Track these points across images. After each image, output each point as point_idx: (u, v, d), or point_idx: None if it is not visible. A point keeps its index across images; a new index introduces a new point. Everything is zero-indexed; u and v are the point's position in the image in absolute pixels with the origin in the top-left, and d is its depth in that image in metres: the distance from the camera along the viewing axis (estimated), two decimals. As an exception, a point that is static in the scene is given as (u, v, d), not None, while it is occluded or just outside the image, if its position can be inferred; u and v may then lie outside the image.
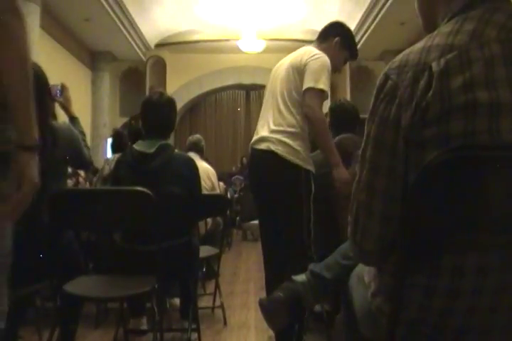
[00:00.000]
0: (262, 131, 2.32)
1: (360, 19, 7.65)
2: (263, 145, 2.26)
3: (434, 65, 0.90)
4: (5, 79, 1.07)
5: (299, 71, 2.27)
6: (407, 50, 0.99)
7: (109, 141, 5.24)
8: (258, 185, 2.41)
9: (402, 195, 0.94)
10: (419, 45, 0.98)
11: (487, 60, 0.88)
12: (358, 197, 1.01)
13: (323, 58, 2.29)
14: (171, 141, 2.53)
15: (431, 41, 0.96)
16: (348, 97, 9.41)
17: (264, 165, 2.29)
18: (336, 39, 2.50)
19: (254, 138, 2.35)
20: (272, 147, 2.23)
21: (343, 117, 2.62)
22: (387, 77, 0.97)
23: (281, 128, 2.24)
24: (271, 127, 2.27)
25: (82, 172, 4.60)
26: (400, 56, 0.99)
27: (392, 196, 0.95)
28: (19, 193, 1.07)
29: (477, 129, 0.86)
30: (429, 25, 1.08)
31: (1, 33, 1.05)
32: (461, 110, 0.87)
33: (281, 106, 2.28)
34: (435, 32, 0.98)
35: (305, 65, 2.25)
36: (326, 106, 2.90)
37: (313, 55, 2.30)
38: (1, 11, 1.04)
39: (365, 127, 1.01)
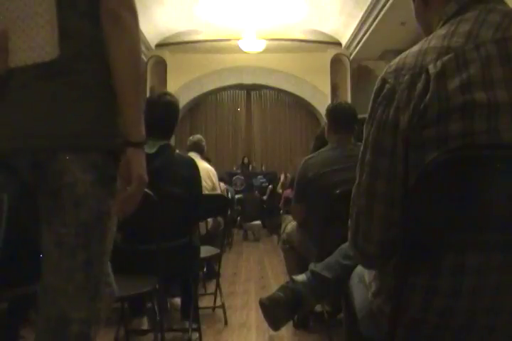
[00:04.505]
0: None
1: (361, 19, 7.63)
2: None
3: (430, 67, 0.91)
4: (116, 75, 1.06)
5: None
6: (404, 54, 0.99)
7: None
8: None
9: (402, 197, 0.94)
10: (415, 48, 0.98)
11: (483, 60, 0.89)
12: (357, 201, 1.01)
13: None
14: (171, 141, 2.52)
15: (427, 44, 0.96)
16: (349, 97, 9.41)
17: None
18: None
19: None
20: None
21: (341, 117, 2.62)
22: (384, 80, 0.97)
23: None
24: None
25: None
26: (397, 60, 0.99)
27: (392, 199, 0.95)
28: (127, 191, 1.07)
29: (476, 129, 0.86)
30: (429, 32, 1.08)
31: (117, 28, 1.06)
32: (459, 111, 0.87)
33: None
34: (431, 35, 0.99)
35: None
36: (325, 106, 2.91)
37: None
38: (118, 6, 1.05)
39: (364, 131, 1.01)
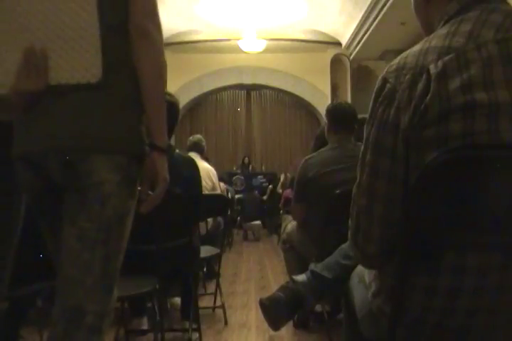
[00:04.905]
0: None
1: (361, 19, 7.63)
2: None
3: (431, 67, 0.91)
4: (143, 86, 1.15)
5: None
6: (405, 53, 0.99)
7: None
8: None
9: (402, 197, 0.94)
10: (416, 48, 0.98)
11: (485, 60, 0.88)
12: (358, 201, 1.01)
13: None
14: (171, 141, 2.52)
15: (428, 44, 0.96)
16: (349, 97, 9.41)
17: None
18: None
19: None
20: None
21: (341, 117, 2.62)
22: (385, 80, 0.97)
23: None
24: None
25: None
26: (398, 59, 0.99)
27: (392, 199, 0.95)
28: (155, 192, 1.18)
29: (476, 130, 0.86)
30: (429, 30, 1.08)
31: (144, 42, 1.14)
32: (460, 111, 0.87)
33: None
34: (432, 35, 0.99)
35: None
36: (325, 106, 2.91)
37: None
38: (145, 21, 1.14)
39: (364, 131, 1.01)
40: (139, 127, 1.17)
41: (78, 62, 1.08)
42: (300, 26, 8.85)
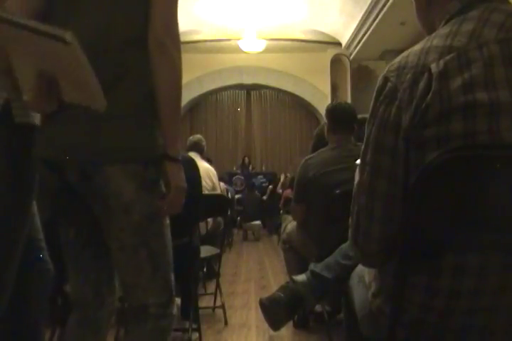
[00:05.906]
0: None
1: (361, 19, 7.63)
2: None
3: (433, 66, 0.90)
4: (157, 97, 1.19)
5: None
6: (406, 52, 0.99)
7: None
8: None
9: (402, 196, 0.94)
10: (417, 47, 0.98)
11: (486, 60, 0.88)
12: (358, 200, 1.01)
13: None
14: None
15: (429, 43, 0.95)
16: (349, 97, 9.41)
17: None
18: None
19: None
20: None
21: (341, 117, 2.61)
22: (386, 79, 0.97)
23: None
24: None
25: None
26: (399, 58, 0.99)
27: (392, 198, 0.95)
28: (167, 199, 1.21)
29: (477, 129, 0.86)
30: (430, 29, 1.08)
31: (162, 58, 1.18)
32: (460, 111, 0.87)
33: None
34: (433, 34, 0.98)
35: None
36: (325, 106, 2.91)
37: None
38: (164, 36, 1.17)
39: (365, 129, 1.01)
40: (152, 134, 1.20)
41: (86, 93, 1.09)
42: (300, 26, 8.85)
